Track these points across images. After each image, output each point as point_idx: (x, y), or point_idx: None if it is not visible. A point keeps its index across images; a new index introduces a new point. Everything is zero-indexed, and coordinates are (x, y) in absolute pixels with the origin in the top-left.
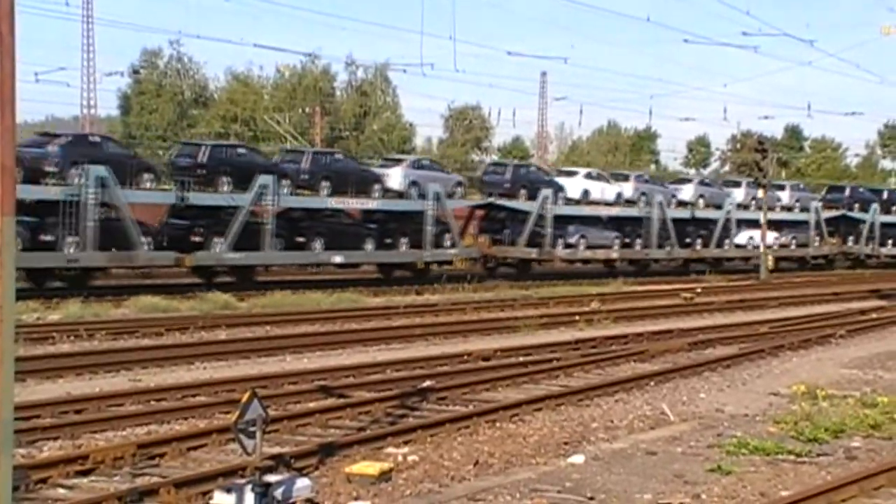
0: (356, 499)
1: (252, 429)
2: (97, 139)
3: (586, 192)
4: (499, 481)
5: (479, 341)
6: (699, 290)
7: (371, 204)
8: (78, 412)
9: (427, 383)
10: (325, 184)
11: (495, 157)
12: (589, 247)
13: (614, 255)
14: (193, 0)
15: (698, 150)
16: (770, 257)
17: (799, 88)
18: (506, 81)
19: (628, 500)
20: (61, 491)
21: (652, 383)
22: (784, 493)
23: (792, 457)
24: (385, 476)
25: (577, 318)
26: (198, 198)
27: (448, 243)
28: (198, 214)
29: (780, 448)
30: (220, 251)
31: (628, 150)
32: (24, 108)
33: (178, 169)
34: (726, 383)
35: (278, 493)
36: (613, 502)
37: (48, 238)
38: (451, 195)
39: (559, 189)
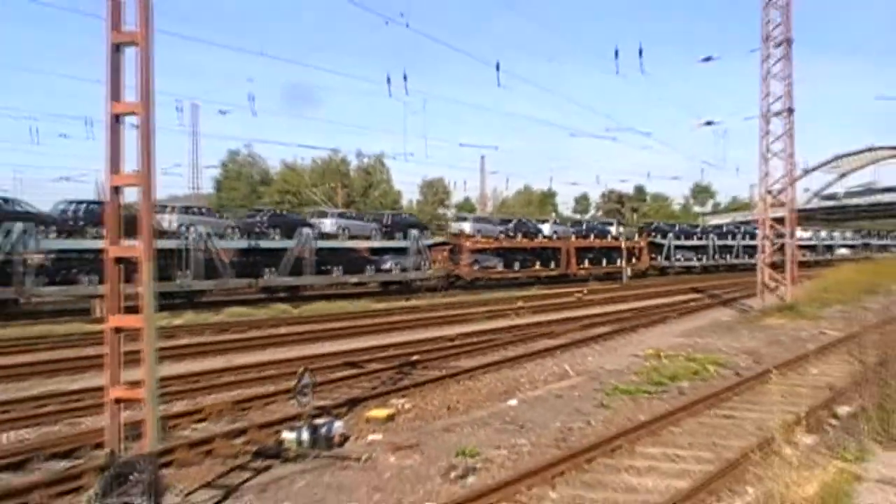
0: (373, 433)
1: (306, 391)
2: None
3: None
4: (463, 418)
5: (447, 329)
6: (586, 292)
7: None
8: (195, 382)
9: (415, 357)
10: None
11: (453, 212)
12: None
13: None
14: (260, 118)
15: (582, 203)
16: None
17: (643, 162)
18: (460, 162)
19: (545, 426)
20: (185, 432)
21: (558, 352)
22: (642, 418)
23: (646, 395)
24: (391, 418)
25: (509, 312)
26: None
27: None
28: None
29: (639, 389)
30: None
31: (537, 204)
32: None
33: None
34: (605, 350)
35: (323, 430)
36: (536, 428)
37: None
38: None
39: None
